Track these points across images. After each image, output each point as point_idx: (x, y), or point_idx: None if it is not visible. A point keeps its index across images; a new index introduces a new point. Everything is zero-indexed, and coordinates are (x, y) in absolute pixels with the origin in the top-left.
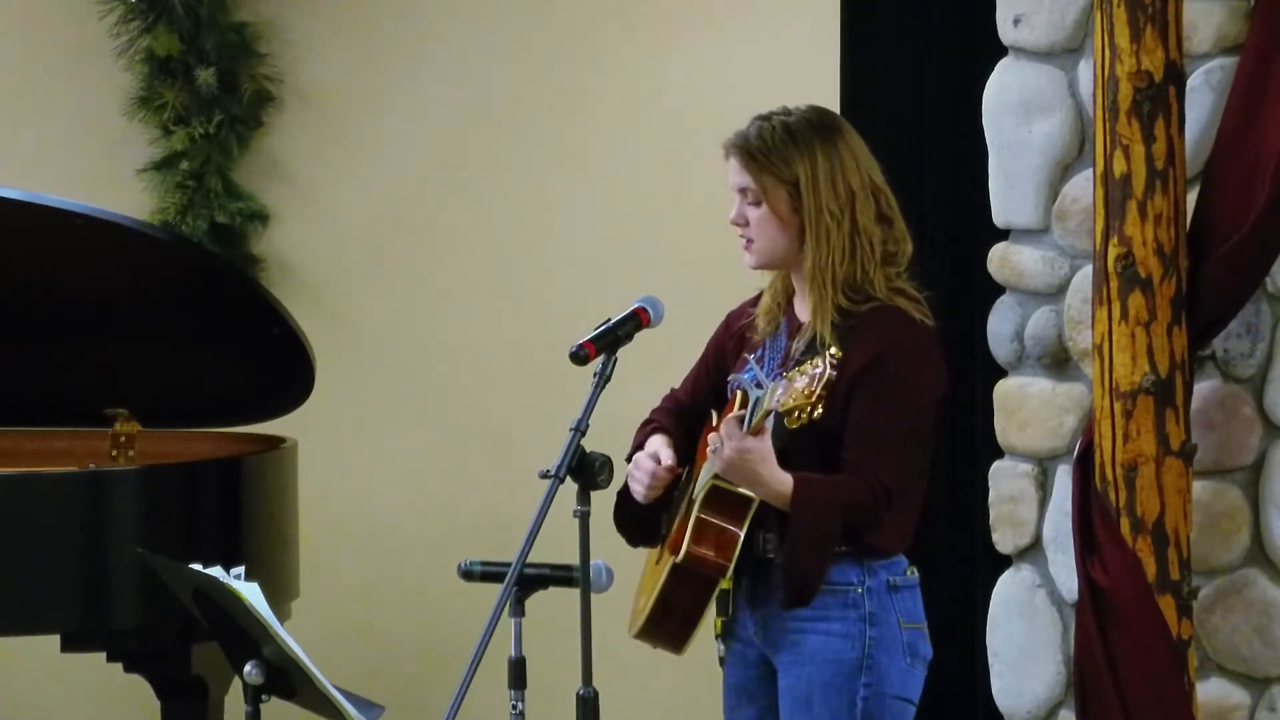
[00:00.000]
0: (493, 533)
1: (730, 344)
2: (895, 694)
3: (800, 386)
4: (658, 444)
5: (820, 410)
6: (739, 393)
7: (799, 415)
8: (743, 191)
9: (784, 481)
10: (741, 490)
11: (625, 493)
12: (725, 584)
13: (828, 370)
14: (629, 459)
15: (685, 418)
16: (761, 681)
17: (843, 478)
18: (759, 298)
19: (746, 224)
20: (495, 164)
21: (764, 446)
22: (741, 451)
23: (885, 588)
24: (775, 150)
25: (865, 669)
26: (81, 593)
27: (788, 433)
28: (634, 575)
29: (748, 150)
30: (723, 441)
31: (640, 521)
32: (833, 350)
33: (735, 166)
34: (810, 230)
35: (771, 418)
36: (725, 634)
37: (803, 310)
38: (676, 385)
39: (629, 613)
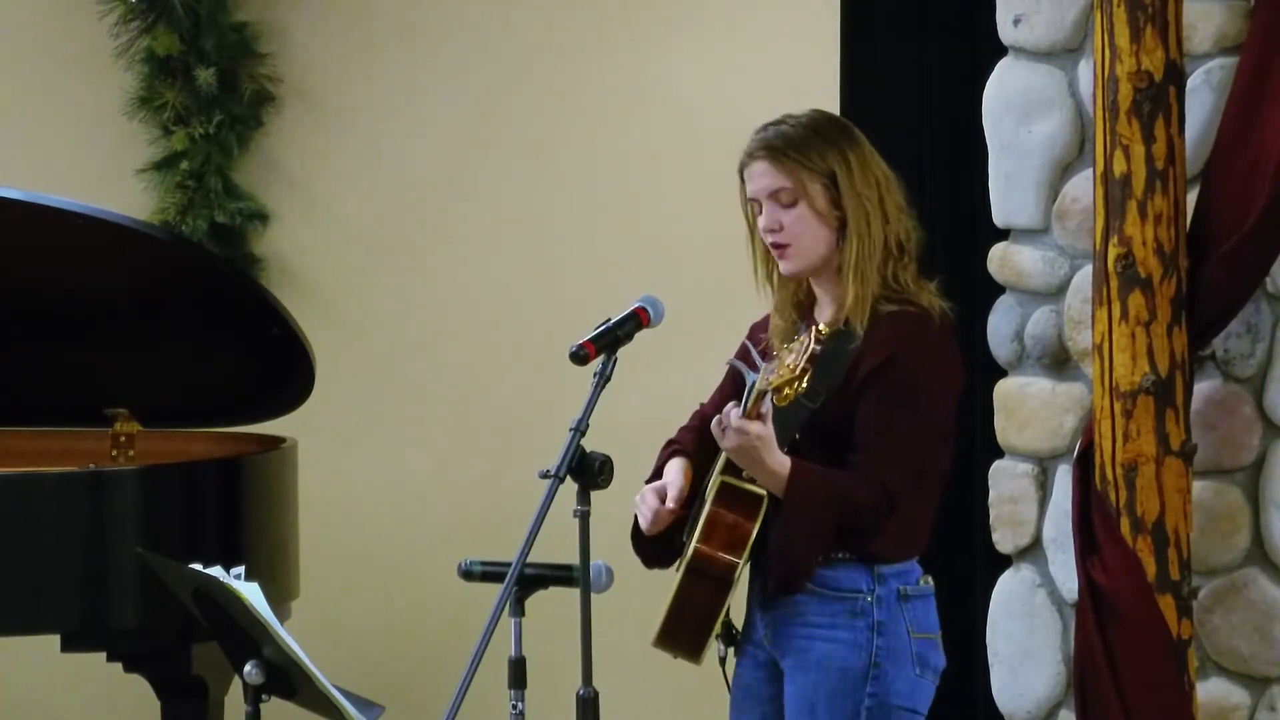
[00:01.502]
0: (493, 533)
1: (742, 347)
2: (901, 704)
3: (789, 362)
4: (673, 473)
5: (806, 384)
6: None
7: (786, 392)
8: (774, 195)
9: (783, 464)
10: (750, 487)
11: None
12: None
13: (812, 344)
14: (649, 481)
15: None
16: (769, 683)
17: (844, 473)
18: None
19: (781, 228)
20: (495, 164)
21: (765, 429)
22: (740, 434)
23: (896, 597)
24: (807, 143)
25: (871, 678)
26: (81, 593)
27: (797, 427)
28: (634, 575)
29: (778, 150)
30: (725, 426)
31: (655, 544)
32: (820, 326)
33: (765, 170)
34: (852, 220)
35: (768, 400)
36: (725, 635)
37: (824, 314)
38: (678, 385)
39: (629, 613)
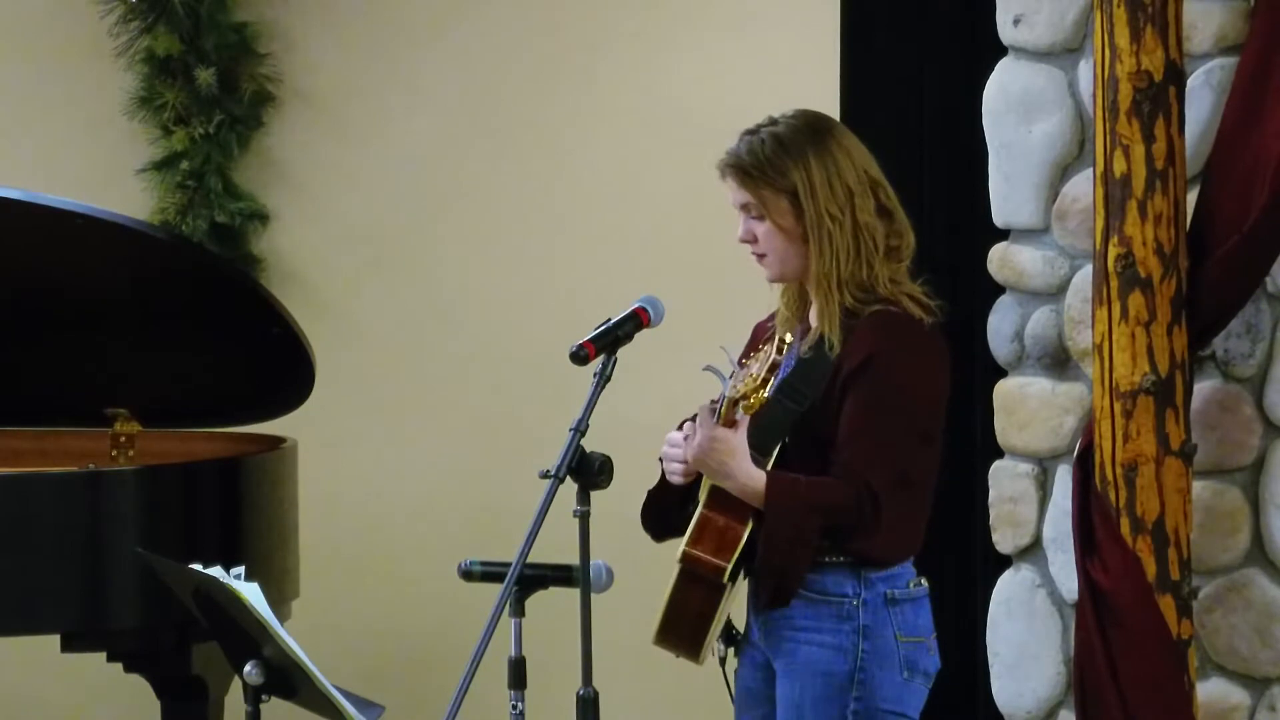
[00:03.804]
0: (493, 533)
1: (720, 349)
2: (889, 709)
3: (753, 371)
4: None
5: (766, 394)
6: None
7: (752, 400)
8: (745, 208)
9: (755, 477)
10: None
11: (654, 491)
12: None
13: (773, 353)
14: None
15: None
16: (768, 684)
17: (823, 479)
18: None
19: (755, 240)
20: (495, 164)
21: (734, 438)
22: (710, 440)
23: (882, 601)
24: (769, 162)
25: (857, 683)
26: (81, 593)
27: (786, 431)
28: (634, 575)
29: (741, 167)
30: (696, 429)
31: (667, 512)
32: (787, 337)
33: (733, 185)
34: (813, 236)
35: (741, 410)
36: (725, 635)
37: (815, 314)
38: (678, 385)
39: (629, 613)
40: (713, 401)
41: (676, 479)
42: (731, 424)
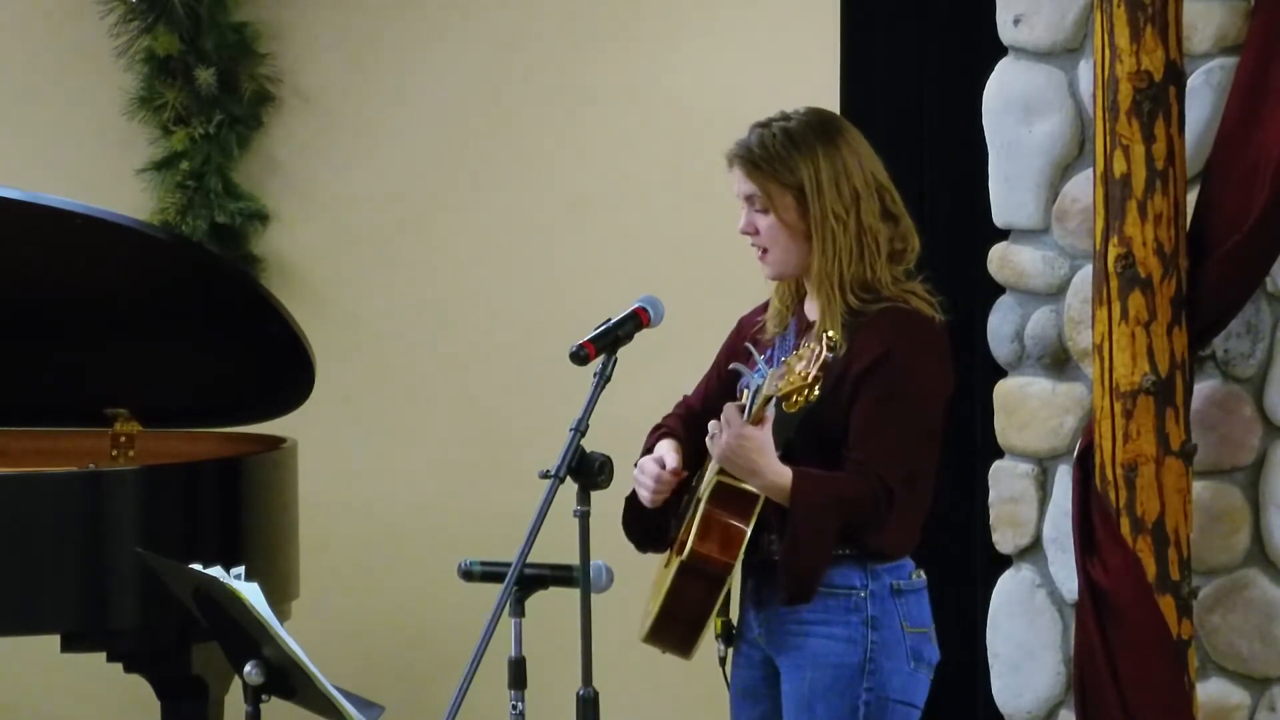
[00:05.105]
0: (493, 533)
1: (742, 348)
2: (898, 698)
3: (799, 370)
4: (665, 449)
5: (817, 393)
6: (746, 390)
7: (796, 399)
8: (749, 199)
9: (782, 474)
10: (746, 486)
11: (633, 497)
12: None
13: (824, 352)
14: (638, 465)
15: (697, 423)
16: (766, 682)
17: (843, 474)
18: (769, 304)
19: (757, 233)
20: (495, 163)
21: (762, 436)
22: (740, 438)
23: (889, 591)
24: (778, 156)
25: (868, 673)
26: (81, 593)
27: (793, 428)
28: (634, 575)
29: (750, 159)
30: (722, 428)
31: (648, 526)
32: (830, 333)
33: (740, 175)
34: (816, 234)
35: (772, 407)
36: (725, 634)
37: (812, 310)
38: (678, 385)
39: (629, 613)
40: (741, 401)
41: (645, 502)
42: (760, 421)
